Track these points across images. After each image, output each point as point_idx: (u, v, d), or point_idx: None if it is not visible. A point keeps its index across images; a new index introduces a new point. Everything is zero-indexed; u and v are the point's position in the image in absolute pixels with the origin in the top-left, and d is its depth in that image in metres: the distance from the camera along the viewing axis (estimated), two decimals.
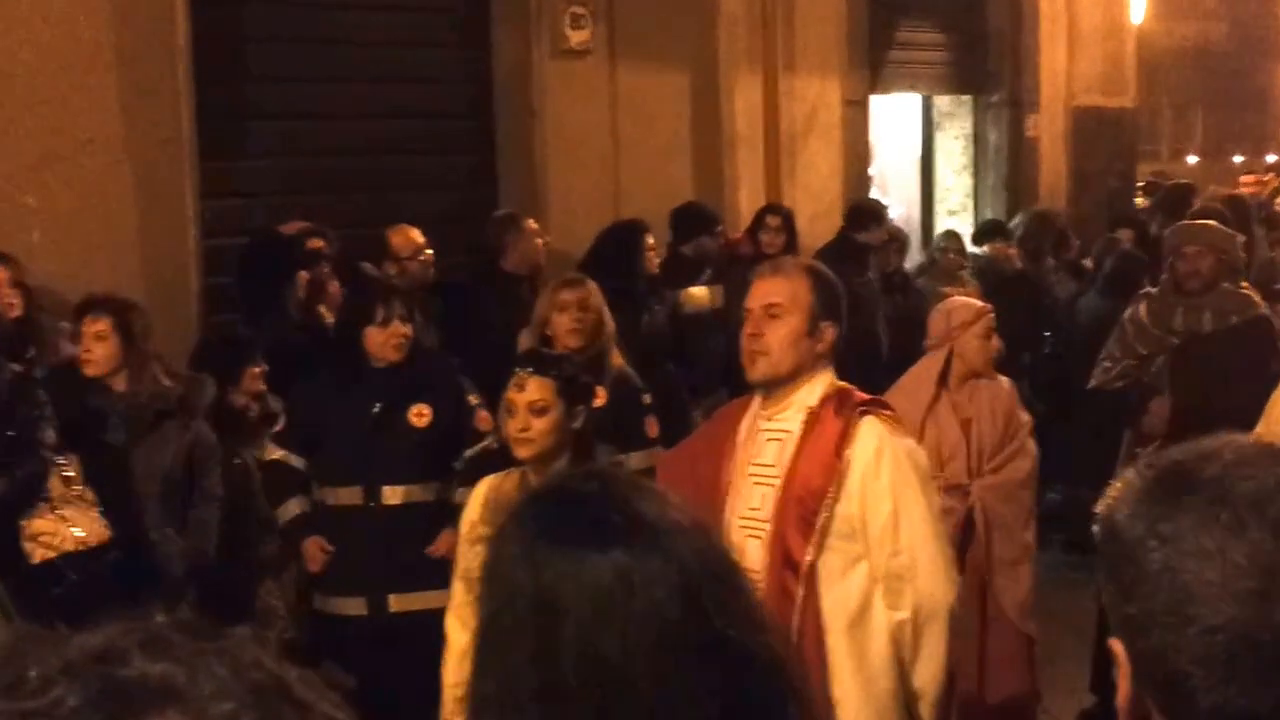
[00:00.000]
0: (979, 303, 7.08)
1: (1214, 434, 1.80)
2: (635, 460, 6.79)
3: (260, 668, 1.06)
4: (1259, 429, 6.48)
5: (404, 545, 6.75)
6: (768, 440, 4.75)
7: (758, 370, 4.73)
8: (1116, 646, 1.74)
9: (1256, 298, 8.34)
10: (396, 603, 6.75)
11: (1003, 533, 6.82)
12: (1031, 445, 6.99)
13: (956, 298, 7.30)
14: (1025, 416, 7.05)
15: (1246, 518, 1.65)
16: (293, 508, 6.98)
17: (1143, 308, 8.34)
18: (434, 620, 5.41)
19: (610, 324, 7.26)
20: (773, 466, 4.70)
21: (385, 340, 6.84)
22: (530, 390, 5.21)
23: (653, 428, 7.18)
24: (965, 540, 6.64)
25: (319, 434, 6.91)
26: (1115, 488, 1.78)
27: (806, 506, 4.61)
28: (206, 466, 6.78)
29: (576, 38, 10.91)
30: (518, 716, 1.89)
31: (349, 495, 6.84)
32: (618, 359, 7.21)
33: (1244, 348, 7.87)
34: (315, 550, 6.88)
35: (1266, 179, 19.87)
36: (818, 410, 4.70)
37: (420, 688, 5.51)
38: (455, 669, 4.98)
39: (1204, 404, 7.40)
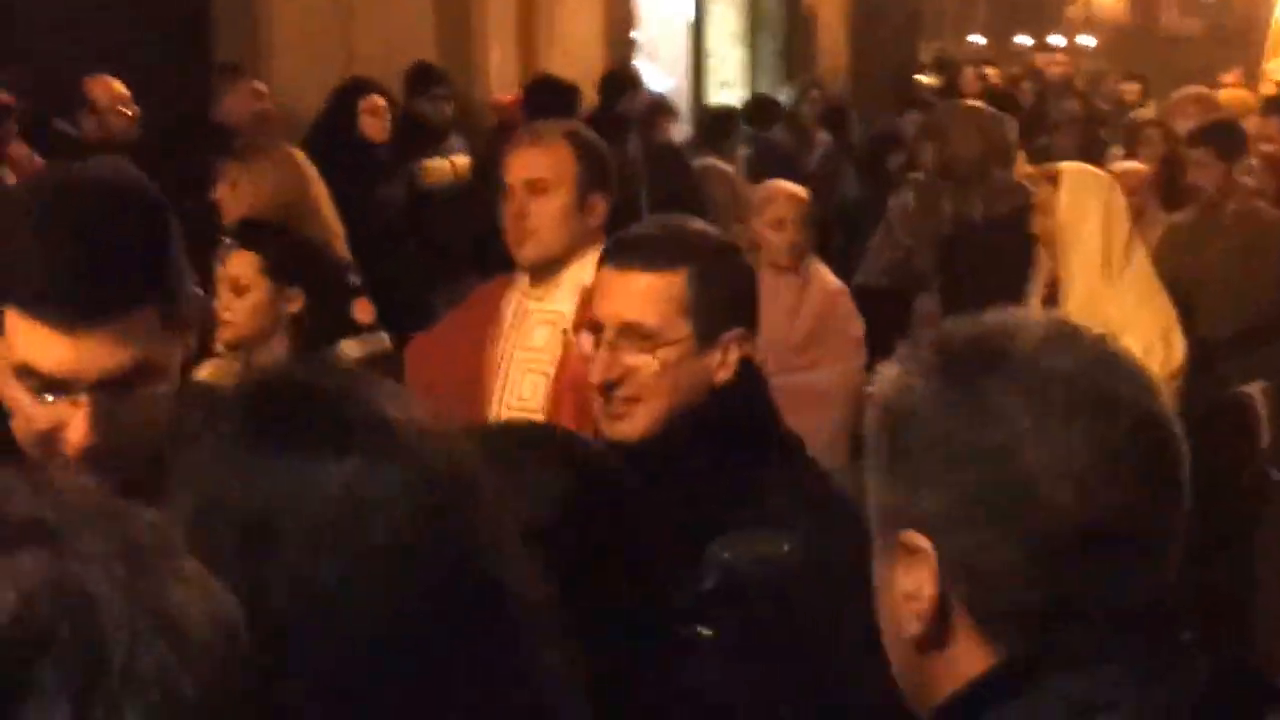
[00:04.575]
0: (786, 188, 6.87)
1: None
2: (348, 348, 6.25)
3: (142, 532, 1.23)
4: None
5: None
6: (538, 323, 4.58)
7: (526, 253, 4.53)
8: (918, 540, 1.68)
9: (1030, 184, 8.15)
10: None
11: None
12: (852, 361, 6.62)
13: (767, 183, 7.08)
14: (853, 328, 6.76)
15: (1074, 397, 1.65)
16: None
17: (911, 195, 8.27)
18: None
19: (310, 197, 6.64)
20: (544, 352, 4.51)
21: None
22: (230, 265, 4.96)
23: (364, 311, 6.68)
24: None
25: None
26: (894, 369, 1.75)
27: (583, 395, 4.25)
28: None
29: None
30: None
31: None
32: (332, 236, 6.65)
33: (1015, 239, 7.66)
34: None
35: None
36: (592, 290, 4.32)
37: None
38: None
39: (974, 301, 7.16)
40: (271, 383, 1.83)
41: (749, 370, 3.25)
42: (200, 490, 1.69)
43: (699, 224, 3.43)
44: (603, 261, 3.27)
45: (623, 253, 3.23)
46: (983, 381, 1.67)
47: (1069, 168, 6.56)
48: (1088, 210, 6.20)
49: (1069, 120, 12.32)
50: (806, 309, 6.67)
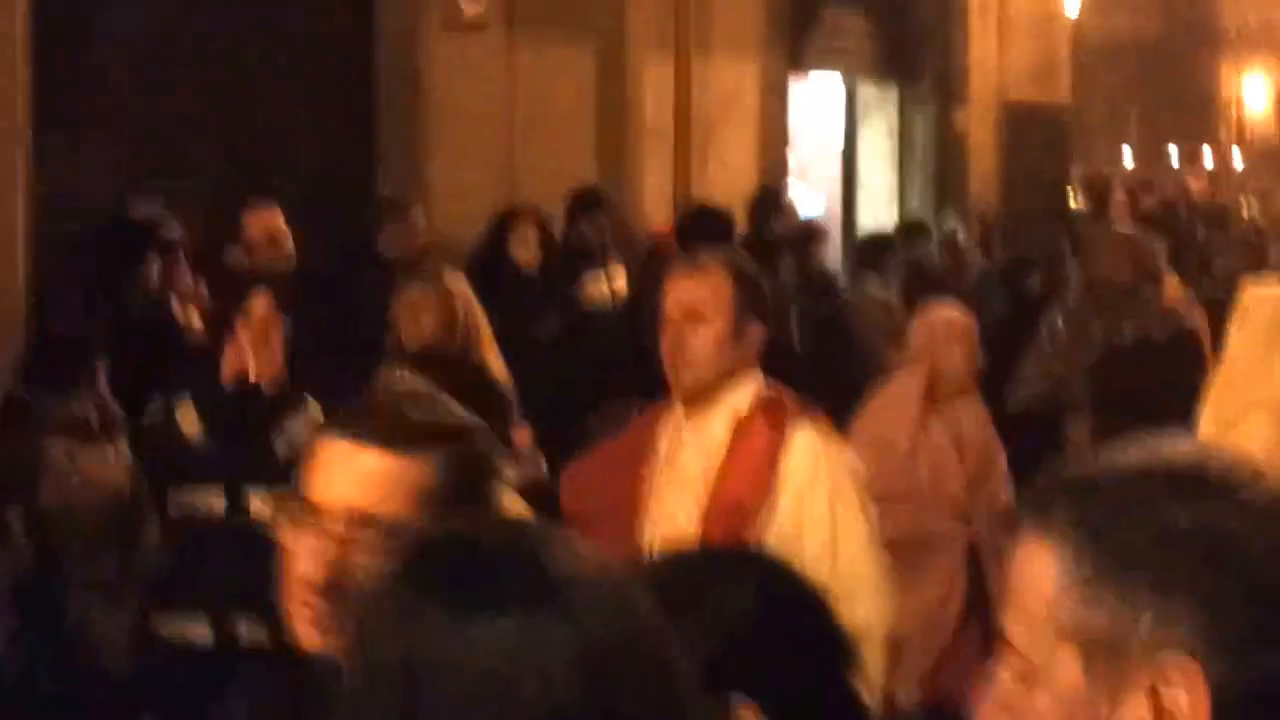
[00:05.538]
0: (962, 314, 6.94)
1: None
2: (506, 474, 6.42)
3: None
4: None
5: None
6: (692, 450, 4.63)
7: (682, 380, 4.59)
8: (1186, 669, 1.61)
9: (1181, 308, 8.12)
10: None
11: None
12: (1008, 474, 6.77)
13: (938, 308, 7.07)
14: (998, 442, 6.86)
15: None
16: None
17: (1060, 319, 8.25)
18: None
19: (475, 324, 6.85)
20: (697, 478, 4.57)
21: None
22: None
23: (522, 437, 6.85)
24: (971, 573, 6.43)
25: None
26: (1090, 496, 1.69)
27: (735, 522, 4.45)
28: None
29: (471, 9, 10.69)
30: None
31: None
32: (491, 362, 6.83)
33: (1167, 363, 7.69)
34: None
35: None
36: (747, 417, 4.57)
37: None
38: None
39: (1127, 424, 7.07)
40: (435, 538, 1.82)
41: None
42: (364, 644, 1.71)
43: (444, 399, 2.92)
44: (330, 432, 2.64)
45: (358, 426, 2.59)
46: (1207, 505, 1.66)
47: (1248, 287, 6.32)
48: (1248, 330, 5.97)
49: (1235, 241, 12.27)
50: (985, 430, 6.79)
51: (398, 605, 1.68)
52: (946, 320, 6.83)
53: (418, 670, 1.63)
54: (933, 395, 6.64)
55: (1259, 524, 1.65)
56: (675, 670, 1.73)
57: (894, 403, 6.72)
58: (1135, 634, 1.64)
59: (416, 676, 1.63)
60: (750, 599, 2.33)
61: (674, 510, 4.56)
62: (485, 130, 10.68)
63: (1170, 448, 1.74)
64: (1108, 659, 1.66)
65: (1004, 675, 1.73)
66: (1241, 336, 6.09)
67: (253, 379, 6.26)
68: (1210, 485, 1.67)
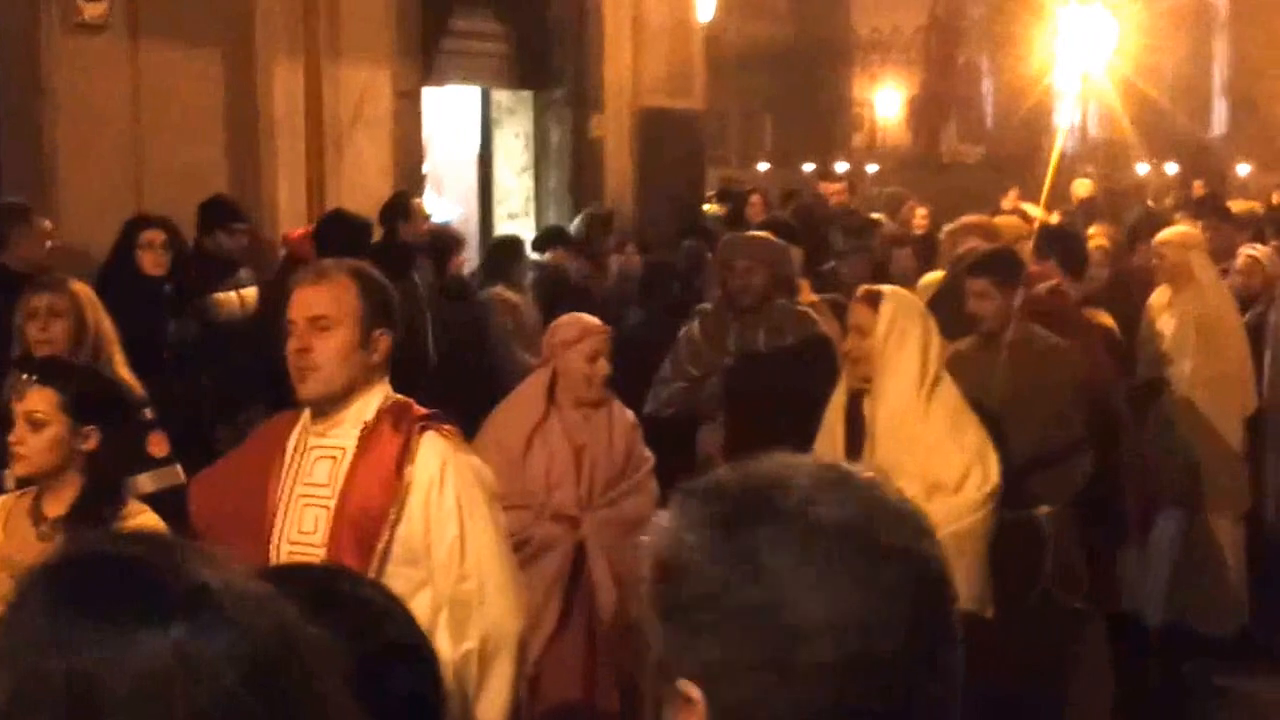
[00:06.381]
0: (592, 320, 6.93)
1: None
2: (143, 482, 6.45)
3: None
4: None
5: None
6: (319, 458, 4.67)
7: (308, 388, 4.62)
8: (691, 690, 1.72)
9: (814, 314, 8.38)
10: None
11: (620, 580, 6.49)
12: (653, 485, 6.79)
13: (571, 314, 7.09)
14: (647, 454, 6.90)
15: (841, 549, 1.70)
16: None
17: (696, 325, 8.35)
18: None
19: (104, 333, 6.86)
20: (325, 486, 4.61)
21: None
22: (28, 400, 5.00)
23: (158, 445, 6.87)
24: (574, 578, 6.49)
25: None
26: (664, 519, 1.78)
27: (364, 529, 4.53)
28: None
29: (91, 10, 10.55)
30: None
31: None
32: (121, 371, 6.83)
33: (799, 369, 7.87)
34: None
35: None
36: (374, 425, 4.64)
37: None
38: None
39: (759, 430, 7.05)
40: (81, 556, 1.77)
41: None
42: (18, 669, 1.65)
43: None
44: None
45: None
46: (752, 535, 1.71)
47: (890, 290, 6.66)
48: (908, 332, 6.36)
49: (858, 248, 12.58)
50: (618, 441, 6.77)
51: (48, 626, 1.65)
52: (577, 326, 6.86)
53: (84, 684, 1.61)
54: (559, 400, 6.73)
55: (785, 568, 1.71)
56: (332, 678, 1.78)
57: (517, 407, 6.79)
58: (671, 655, 1.75)
59: (83, 691, 1.61)
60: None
61: (302, 518, 4.61)
62: (111, 135, 10.59)
63: (747, 473, 1.83)
64: (663, 676, 1.77)
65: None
66: (893, 338, 6.42)
67: None
68: (769, 516, 1.74)
